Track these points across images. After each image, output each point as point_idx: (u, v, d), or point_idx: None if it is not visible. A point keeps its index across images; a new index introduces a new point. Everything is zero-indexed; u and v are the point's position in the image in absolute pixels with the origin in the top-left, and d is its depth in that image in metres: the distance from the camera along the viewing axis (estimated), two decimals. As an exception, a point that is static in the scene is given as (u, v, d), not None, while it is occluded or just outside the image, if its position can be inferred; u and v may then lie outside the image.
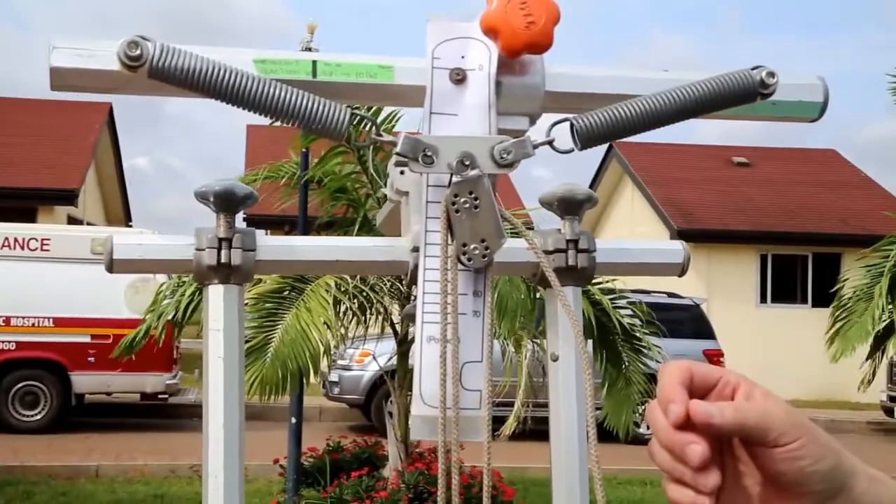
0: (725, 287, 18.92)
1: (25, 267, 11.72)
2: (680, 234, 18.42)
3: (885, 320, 8.67)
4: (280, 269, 1.26)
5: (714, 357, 13.34)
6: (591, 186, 19.50)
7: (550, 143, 1.11)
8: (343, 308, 6.78)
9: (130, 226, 22.25)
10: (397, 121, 6.76)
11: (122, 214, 24.48)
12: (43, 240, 12.06)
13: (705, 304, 14.60)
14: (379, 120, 6.38)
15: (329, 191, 7.24)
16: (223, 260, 1.18)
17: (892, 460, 10.35)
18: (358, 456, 7.96)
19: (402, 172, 1.14)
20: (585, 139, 1.10)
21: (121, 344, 7.15)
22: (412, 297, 6.19)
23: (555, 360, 1.30)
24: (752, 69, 1.14)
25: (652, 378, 7.84)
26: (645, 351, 7.36)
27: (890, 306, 8.62)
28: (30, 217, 16.96)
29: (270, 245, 1.23)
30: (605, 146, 23.64)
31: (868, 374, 9.30)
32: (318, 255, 1.28)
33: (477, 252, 1.06)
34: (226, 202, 1.19)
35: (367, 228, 6.70)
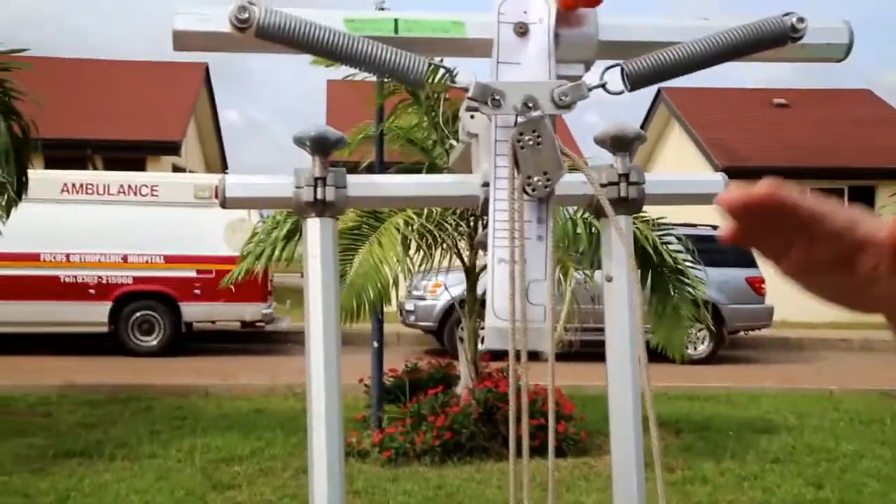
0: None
1: (138, 211, 12.00)
2: (723, 172, 18.05)
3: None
4: (368, 203, 1.31)
5: (756, 283, 13.17)
6: (641, 130, 19.07)
7: (603, 86, 1.13)
8: (413, 244, 6.82)
9: (227, 173, 22.48)
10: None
11: (219, 163, 24.82)
12: (153, 186, 12.31)
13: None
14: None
15: (402, 140, 7.28)
16: (319, 196, 1.23)
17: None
18: (433, 376, 8.05)
19: (472, 116, 1.17)
20: (634, 81, 1.13)
21: (225, 278, 7.33)
22: (478, 232, 6.26)
23: (609, 280, 1.33)
24: (784, 15, 1.15)
25: (699, 304, 7.78)
26: (691, 280, 7.30)
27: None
28: (140, 166, 17.31)
29: (359, 183, 1.27)
30: (653, 91, 23.17)
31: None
32: (401, 191, 1.32)
33: (540, 183, 1.10)
34: (320, 145, 1.23)
35: (435, 172, 6.73)
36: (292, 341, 13.19)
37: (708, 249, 9.69)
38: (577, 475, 6.14)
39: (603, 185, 1.26)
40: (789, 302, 15.64)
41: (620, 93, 1.14)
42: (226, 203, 1.28)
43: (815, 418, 8.30)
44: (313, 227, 1.26)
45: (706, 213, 13.00)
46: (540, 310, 1.10)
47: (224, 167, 25.05)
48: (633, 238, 1.20)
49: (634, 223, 6.65)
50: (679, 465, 6.50)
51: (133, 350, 11.95)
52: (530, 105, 1.08)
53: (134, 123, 18.28)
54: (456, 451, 6.54)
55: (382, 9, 7.09)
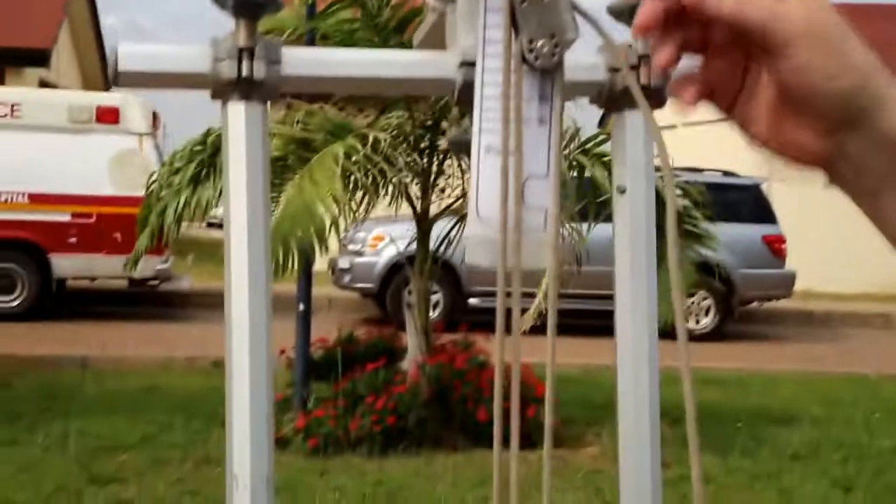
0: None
1: (-6, 136, 11.76)
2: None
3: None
4: (310, 85, 1.24)
5: (774, 243, 13.36)
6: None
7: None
8: (354, 183, 6.77)
9: (110, 91, 22.17)
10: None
11: (100, 78, 24.38)
12: (13, 105, 12.06)
13: (766, 184, 14.52)
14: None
15: (336, 45, 7.19)
16: (245, 73, 1.16)
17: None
18: (373, 348, 8.07)
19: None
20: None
21: (127, 261, 7.32)
22: (432, 176, 6.22)
23: (622, 192, 1.29)
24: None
25: (703, 267, 7.86)
26: (696, 237, 7.36)
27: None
28: (-4, 80, 16.98)
29: (299, 57, 1.21)
30: None
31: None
32: (355, 70, 1.26)
33: (545, 49, 1.05)
34: (247, 4, 1.17)
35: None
36: (195, 305, 13.09)
37: (717, 201, 9.79)
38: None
39: (613, 70, 1.21)
40: (815, 268, 15.91)
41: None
42: (118, 79, 1.21)
43: (844, 408, 8.47)
44: (236, 116, 1.20)
45: (717, 158, 13.16)
46: (540, 215, 1.06)
47: (107, 84, 24.63)
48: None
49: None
50: (675, 460, 6.58)
51: (-12, 312, 11.78)
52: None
53: (-11, 25, 17.86)
54: (400, 439, 6.58)
55: None
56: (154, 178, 7.24)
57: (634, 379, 1.28)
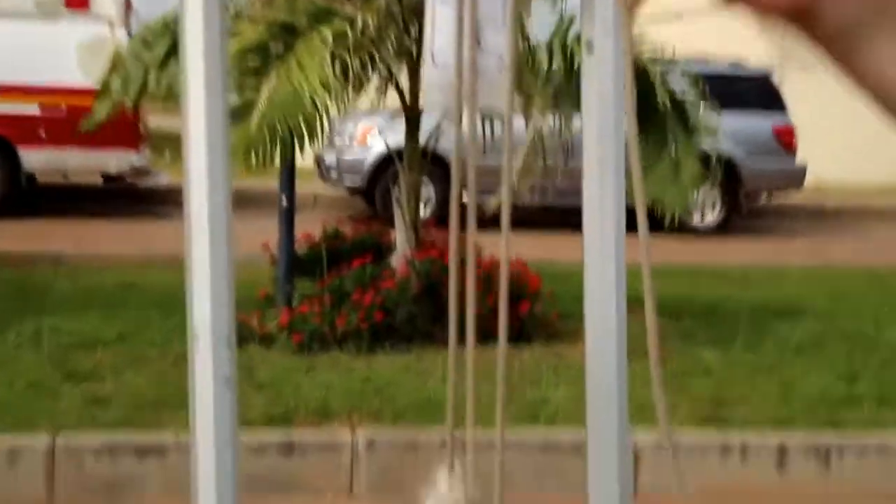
0: (802, 52, 18.62)
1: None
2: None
3: None
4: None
5: (785, 134, 13.37)
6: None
7: None
8: (340, 68, 6.77)
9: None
10: None
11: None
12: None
13: (777, 72, 14.47)
14: None
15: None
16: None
17: None
18: (360, 244, 8.11)
19: None
20: None
21: (85, 121, 7.27)
22: (422, 60, 6.13)
23: (590, 50, 1.34)
24: None
25: (706, 160, 7.91)
26: (699, 129, 7.40)
27: None
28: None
29: None
30: None
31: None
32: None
33: None
34: None
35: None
36: (173, 202, 13.08)
37: (724, 91, 9.81)
38: (544, 366, 6.34)
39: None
40: (827, 159, 15.88)
41: None
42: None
43: (852, 301, 8.59)
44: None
45: (724, 46, 13.06)
46: (495, 60, 1.12)
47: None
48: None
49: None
50: (675, 354, 6.73)
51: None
52: None
53: None
54: (389, 335, 6.67)
55: None
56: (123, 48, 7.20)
57: (601, 247, 1.35)
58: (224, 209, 1.18)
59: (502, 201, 1.26)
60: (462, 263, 1.18)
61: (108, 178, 12.84)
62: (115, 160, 12.32)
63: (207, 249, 1.18)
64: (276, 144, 6.31)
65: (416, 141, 7.39)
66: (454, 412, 1.32)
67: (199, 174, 1.19)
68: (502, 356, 1.29)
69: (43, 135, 11.99)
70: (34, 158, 12.08)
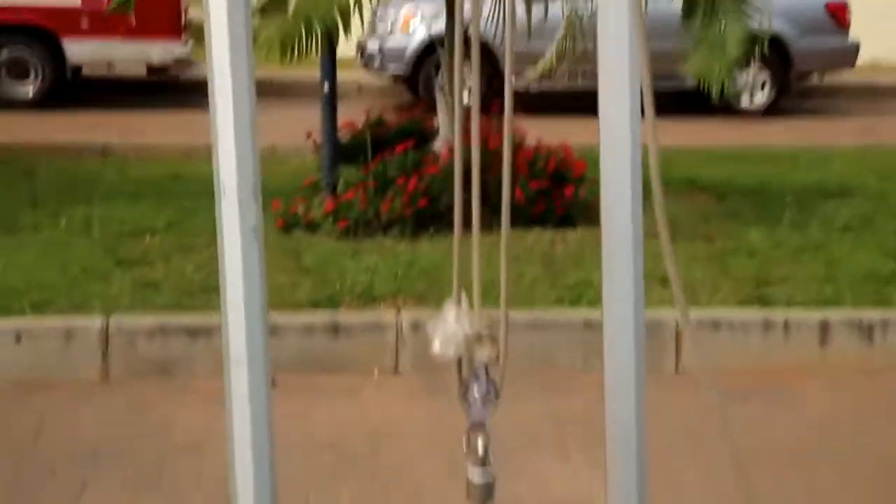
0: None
1: None
2: None
3: None
4: None
5: (838, 10, 13.08)
6: None
7: None
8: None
9: None
10: None
11: None
12: None
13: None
14: None
15: None
16: None
17: None
18: (403, 131, 8.12)
19: None
20: None
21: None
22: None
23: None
24: None
25: (755, 39, 7.79)
26: (748, 3, 7.27)
27: None
28: None
29: None
30: None
31: None
32: None
33: None
34: None
35: None
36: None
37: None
38: (586, 247, 6.34)
39: None
40: (882, 37, 15.52)
41: None
42: None
43: (903, 180, 8.52)
44: None
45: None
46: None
47: None
48: None
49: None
50: (720, 234, 6.75)
51: (2, 98, 11.91)
52: None
53: None
54: (433, 221, 6.67)
55: None
56: None
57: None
58: (246, 62, 1.21)
59: (505, 83, 1.28)
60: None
61: (151, 70, 12.85)
62: (159, 51, 12.31)
63: (231, 103, 1.21)
64: (312, 35, 6.29)
65: (459, 24, 7.33)
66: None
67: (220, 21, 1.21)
68: (505, 227, 1.33)
69: (86, 26, 11.99)
70: (78, 50, 12.10)
